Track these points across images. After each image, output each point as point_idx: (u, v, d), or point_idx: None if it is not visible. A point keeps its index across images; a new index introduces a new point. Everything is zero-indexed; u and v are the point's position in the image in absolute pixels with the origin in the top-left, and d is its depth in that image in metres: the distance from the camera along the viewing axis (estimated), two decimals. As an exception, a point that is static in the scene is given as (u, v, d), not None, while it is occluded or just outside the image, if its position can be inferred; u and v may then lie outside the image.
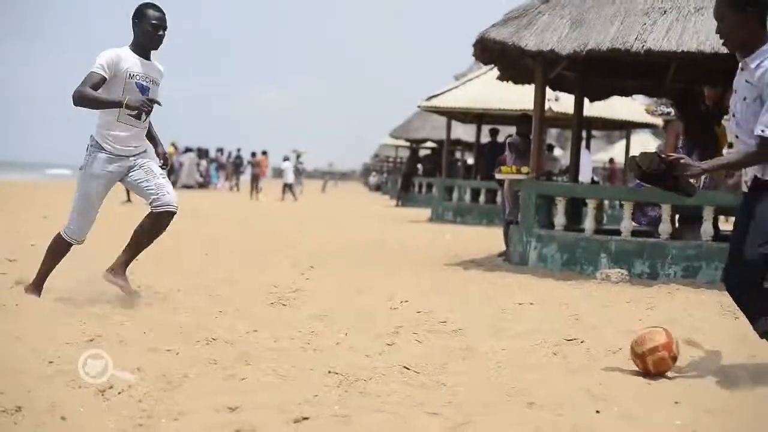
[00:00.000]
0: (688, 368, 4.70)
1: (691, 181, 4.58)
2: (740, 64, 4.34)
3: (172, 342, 4.80)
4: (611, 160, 35.04)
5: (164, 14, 5.87)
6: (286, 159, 32.65)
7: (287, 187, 31.15)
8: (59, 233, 6.01)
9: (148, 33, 5.81)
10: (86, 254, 6.27)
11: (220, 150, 41.63)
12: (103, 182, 5.94)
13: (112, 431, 3.20)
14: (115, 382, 3.81)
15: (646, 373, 4.49)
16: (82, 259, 6.24)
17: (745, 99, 4.28)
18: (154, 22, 5.80)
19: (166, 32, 5.88)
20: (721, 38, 4.38)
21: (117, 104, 5.66)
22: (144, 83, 5.84)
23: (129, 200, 19.23)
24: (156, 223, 5.96)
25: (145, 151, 6.03)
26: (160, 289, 6.65)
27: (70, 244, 6.01)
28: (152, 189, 5.91)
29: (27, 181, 37.18)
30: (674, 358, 4.55)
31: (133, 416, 3.41)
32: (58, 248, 6.02)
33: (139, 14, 5.84)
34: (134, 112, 5.68)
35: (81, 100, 5.63)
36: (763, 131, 4.10)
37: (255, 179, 31.78)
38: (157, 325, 5.26)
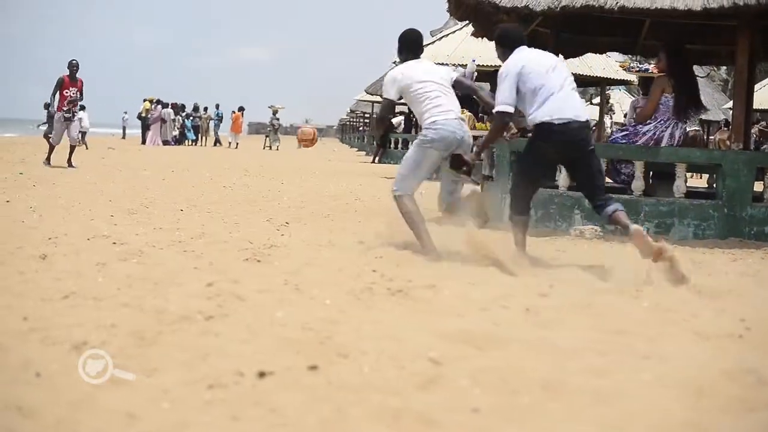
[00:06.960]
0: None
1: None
2: None
3: (147, 298, 4.81)
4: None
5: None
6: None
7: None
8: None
9: None
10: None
11: (196, 108, 41.13)
12: None
13: (85, 387, 3.21)
14: (89, 338, 3.83)
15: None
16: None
17: None
18: None
19: None
20: None
21: None
22: None
23: None
24: None
25: None
26: (135, 245, 6.65)
27: None
28: None
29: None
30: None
31: (108, 372, 3.41)
32: None
33: None
34: None
35: None
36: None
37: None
38: (131, 281, 5.28)
